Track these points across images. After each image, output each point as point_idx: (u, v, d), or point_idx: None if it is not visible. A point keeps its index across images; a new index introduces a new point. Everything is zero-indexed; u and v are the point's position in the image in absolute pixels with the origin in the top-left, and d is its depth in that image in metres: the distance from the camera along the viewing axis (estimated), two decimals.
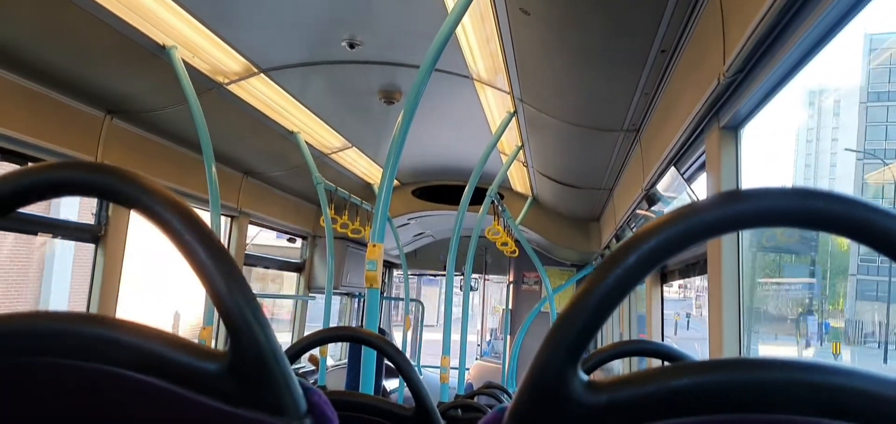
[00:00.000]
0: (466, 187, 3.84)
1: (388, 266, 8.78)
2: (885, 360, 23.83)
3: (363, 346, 2.44)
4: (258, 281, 8.29)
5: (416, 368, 2.85)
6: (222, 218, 3.89)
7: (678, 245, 0.44)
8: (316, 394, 0.58)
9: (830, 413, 0.42)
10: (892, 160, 34.56)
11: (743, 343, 1.95)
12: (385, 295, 8.69)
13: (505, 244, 5.50)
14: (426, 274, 10.26)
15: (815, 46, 1.45)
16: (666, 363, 1.31)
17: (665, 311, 3.81)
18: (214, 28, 2.83)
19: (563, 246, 6.61)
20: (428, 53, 2.25)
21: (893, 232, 0.42)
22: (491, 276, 10.28)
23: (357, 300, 7.61)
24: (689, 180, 2.67)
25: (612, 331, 5.77)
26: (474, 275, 9.36)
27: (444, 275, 9.42)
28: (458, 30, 2.72)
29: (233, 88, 3.40)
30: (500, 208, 5.34)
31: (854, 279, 31.37)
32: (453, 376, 4.57)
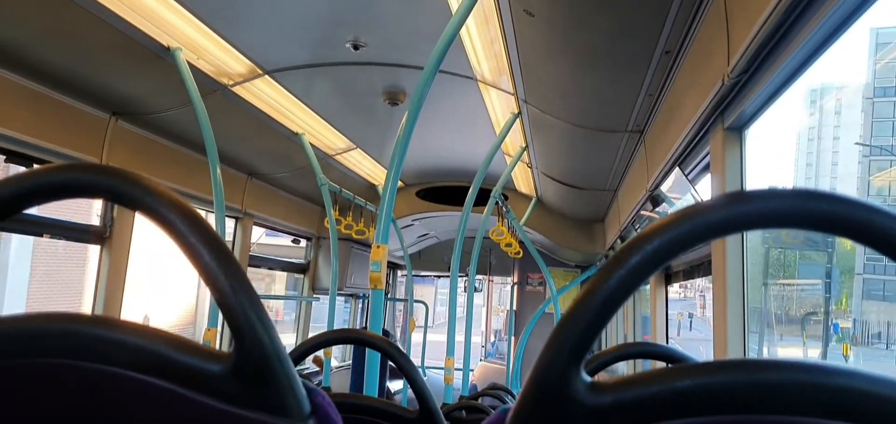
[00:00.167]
0: (470, 188, 3.84)
1: (393, 267, 8.78)
2: None
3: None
4: (261, 283, 8.30)
5: (420, 370, 2.85)
6: (227, 219, 3.90)
7: (682, 246, 0.44)
8: (319, 396, 0.58)
9: (834, 415, 0.42)
10: None
11: (747, 344, 1.94)
12: (389, 296, 8.69)
13: (509, 245, 5.49)
14: (430, 276, 10.24)
15: (821, 46, 1.45)
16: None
17: (668, 312, 3.80)
18: (219, 30, 2.83)
19: (568, 247, 6.60)
20: (432, 54, 2.25)
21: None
22: (495, 277, 10.28)
23: (361, 301, 7.61)
24: (693, 181, 2.67)
25: (616, 332, 5.76)
26: (478, 277, 9.35)
27: (443, 276, 9.48)
28: (463, 31, 2.72)
29: (237, 90, 3.41)
30: (504, 209, 5.33)
31: (860, 278, 31.21)
32: (457, 377, 4.56)
